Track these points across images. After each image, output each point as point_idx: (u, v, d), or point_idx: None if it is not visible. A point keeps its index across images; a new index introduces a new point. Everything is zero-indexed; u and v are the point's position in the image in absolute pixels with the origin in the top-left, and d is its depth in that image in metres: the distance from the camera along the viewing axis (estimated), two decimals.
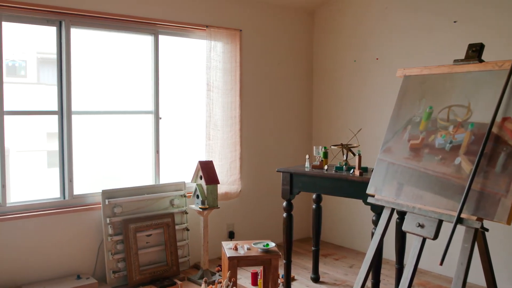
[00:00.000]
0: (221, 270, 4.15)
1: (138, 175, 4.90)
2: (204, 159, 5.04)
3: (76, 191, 4.44)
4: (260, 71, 5.58)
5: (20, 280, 4.08)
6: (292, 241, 4.33)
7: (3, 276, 4.01)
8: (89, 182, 4.59)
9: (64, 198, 4.39)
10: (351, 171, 3.85)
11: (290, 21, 5.84)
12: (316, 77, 6.08)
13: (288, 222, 4.26)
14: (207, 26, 4.99)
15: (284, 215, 4.26)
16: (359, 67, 5.53)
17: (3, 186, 4.07)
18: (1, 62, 3.99)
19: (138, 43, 4.84)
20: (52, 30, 4.29)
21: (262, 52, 5.59)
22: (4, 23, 4.00)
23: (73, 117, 4.39)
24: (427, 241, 3.18)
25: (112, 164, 4.82)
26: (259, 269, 4.37)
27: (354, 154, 4.04)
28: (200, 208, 4.54)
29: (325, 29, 5.94)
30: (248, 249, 3.94)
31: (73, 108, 4.38)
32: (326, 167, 4.10)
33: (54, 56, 4.35)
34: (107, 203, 4.38)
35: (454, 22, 4.58)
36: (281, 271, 4.50)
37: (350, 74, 5.65)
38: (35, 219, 4.15)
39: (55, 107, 4.34)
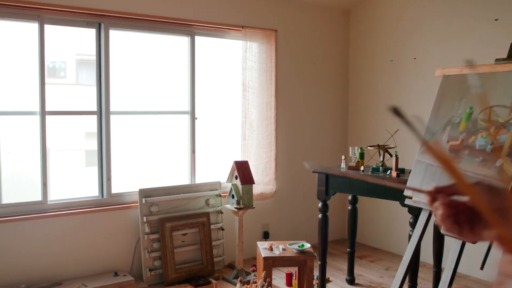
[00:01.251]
0: (256, 270, 4.16)
1: (174, 175, 4.96)
2: (239, 159, 5.06)
3: (114, 190, 4.52)
4: (295, 72, 5.57)
5: (60, 276, 4.19)
6: (327, 242, 4.30)
7: (44, 272, 4.12)
8: (126, 181, 4.67)
9: (103, 197, 4.48)
10: (388, 173, 3.79)
11: (325, 21, 5.80)
12: (352, 77, 6.02)
13: (324, 223, 4.23)
14: (242, 27, 5.01)
15: (320, 216, 4.24)
16: (396, 66, 5.45)
17: (45, 184, 4.18)
18: (43, 63, 4.11)
19: (175, 44, 4.90)
20: (91, 32, 4.38)
21: (298, 52, 5.58)
22: (46, 26, 4.11)
23: (112, 117, 4.48)
24: (467, 244, 3.11)
25: (149, 163, 4.89)
26: (294, 270, 4.36)
27: (391, 155, 3.99)
28: (235, 208, 4.55)
29: (361, 29, 5.88)
30: (283, 249, 3.94)
31: (112, 108, 4.47)
32: (362, 168, 4.05)
33: (92, 57, 4.44)
34: (144, 202, 4.44)
35: (496, 20, 4.47)
36: (316, 272, 4.48)
37: (386, 74, 5.57)
38: (75, 217, 4.25)
39: (93, 107, 4.44)
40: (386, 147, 4.05)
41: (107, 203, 4.47)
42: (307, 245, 3.96)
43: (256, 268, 4.25)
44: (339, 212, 5.99)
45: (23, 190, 4.17)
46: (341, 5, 5.85)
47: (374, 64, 5.73)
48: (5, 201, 4.05)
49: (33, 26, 4.08)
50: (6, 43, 4.01)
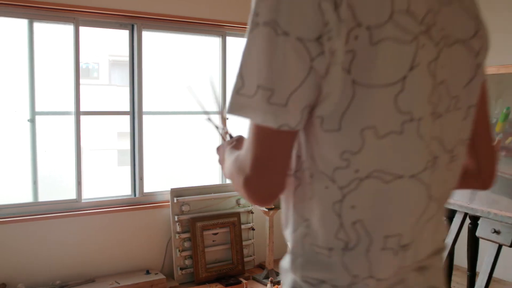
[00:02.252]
0: None
1: (205, 175, 4.99)
2: None
3: (146, 189, 4.58)
4: None
5: (93, 273, 4.26)
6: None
7: (78, 268, 4.20)
8: (158, 180, 4.72)
9: (135, 196, 4.54)
10: None
11: None
12: None
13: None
14: None
15: None
16: None
17: (79, 183, 4.27)
18: (78, 65, 4.19)
19: (206, 45, 4.93)
20: (124, 34, 4.45)
21: None
22: (81, 28, 4.20)
23: (144, 117, 4.53)
24: (503, 248, 3.04)
25: (180, 163, 4.93)
26: None
27: None
28: (265, 208, 4.55)
29: None
30: None
31: (144, 109, 4.53)
32: None
33: (124, 58, 4.51)
34: (175, 201, 4.49)
35: None
36: None
37: None
38: (108, 215, 4.33)
39: (125, 107, 4.50)
40: None
41: (139, 202, 4.53)
42: None
43: None
44: None
45: (58, 189, 4.27)
46: None
47: None
48: (41, 199, 4.15)
49: (69, 28, 4.16)
50: (43, 45, 4.11)
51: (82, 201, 4.29)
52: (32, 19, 4.02)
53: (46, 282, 4.05)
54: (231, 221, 4.71)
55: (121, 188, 4.58)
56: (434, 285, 0.98)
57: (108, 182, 4.67)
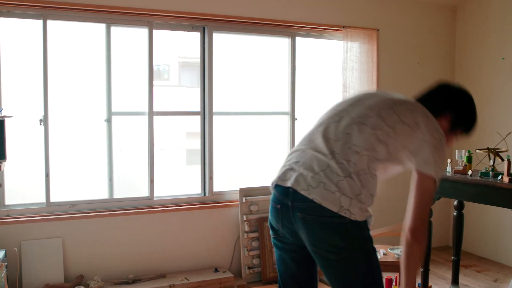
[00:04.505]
0: None
1: (274, 175, 4.99)
2: None
3: (216, 188, 4.66)
4: (397, 71, 5.40)
5: (164, 268, 4.39)
6: (430, 249, 4.13)
7: (149, 264, 4.34)
8: (227, 180, 4.79)
9: (205, 195, 4.63)
10: (499, 178, 3.56)
11: (430, 18, 5.57)
12: (458, 76, 5.73)
13: (427, 229, 4.06)
14: (343, 27, 4.95)
15: None
16: (508, 64, 5.10)
17: (151, 181, 4.40)
18: (152, 66, 4.33)
19: (276, 45, 4.95)
20: (194, 36, 4.55)
21: (400, 51, 5.41)
22: (155, 31, 4.33)
23: (214, 117, 4.61)
24: None
25: (248, 163, 4.97)
26: (394, 276, 4.23)
27: (502, 159, 3.74)
28: None
29: (468, 25, 5.58)
30: (384, 254, 3.84)
31: (214, 109, 4.60)
32: (470, 172, 3.84)
33: (193, 60, 4.61)
34: (244, 200, 4.53)
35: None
36: (417, 280, 4.31)
37: (497, 73, 5.24)
38: (178, 213, 4.44)
39: (194, 108, 4.60)
40: (497, 150, 3.81)
41: (208, 201, 4.61)
42: None
43: None
44: (443, 219, 5.72)
45: (131, 186, 4.42)
46: (447, 1, 5.59)
47: (482, 62, 5.41)
48: (116, 196, 4.32)
49: (143, 32, 4.31)
50: (119, 48, 4.27)
51: (154, 198, 4.42)
52: (109, 23, 4.20)
53: (120, 275, 4.21)
54: None
55: (190, 187, 4.68)
56: None
57: (178, 181, 4.78)
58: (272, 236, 2.18)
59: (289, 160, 2.16)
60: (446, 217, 5.70)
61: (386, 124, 1.99)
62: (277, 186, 2.12)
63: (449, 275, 4.64)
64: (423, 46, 5.55)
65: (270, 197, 2.20)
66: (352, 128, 1.99)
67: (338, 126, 2.02)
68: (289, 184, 2.02)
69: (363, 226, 1.95)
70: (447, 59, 5.72)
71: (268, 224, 2.21)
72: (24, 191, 4.09)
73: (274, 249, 2.23)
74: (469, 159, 3.96)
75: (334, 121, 2.06)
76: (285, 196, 2.03)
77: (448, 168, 4.03)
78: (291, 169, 2.09)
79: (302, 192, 1.94)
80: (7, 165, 3.76)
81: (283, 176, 2.11)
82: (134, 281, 4.11)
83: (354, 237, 1.92)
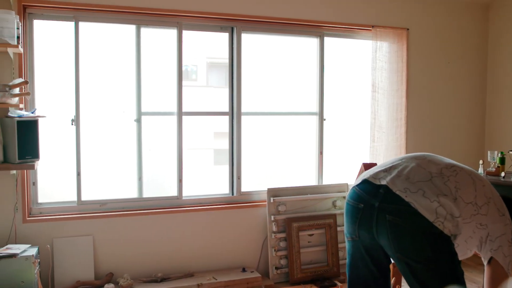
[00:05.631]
0: None
1: (301, 175, 4.99)
2: (368, 161, 4.96)
3: (244, 188, 4.67)
4: (427, 71, 5.32)
5: (192, 267, 4.42)
6: None
7: (178, 262, 4.37)
8: (255, 180, 4.79)
9: (233, 194, 4.65)
10: None
11: (461, 17, 5.48)
12: (490, 76, 5.62)
13: None
14: (373, 26, 4.91)
15: None
16: None
17: (180, 180, 4.44)
18: (181, 67, 4.36)
19: (304, 46, 4.93)
20: (223, 36, 4.57)
21: (431, 51, 5.33)
22: (184, 32, 4.36)
23: (242, 117, 4.62)
24: None
25: (277, 163, 4.97)
26: None
27: None
28: None
29: (502, 24, 5.46)
30: None
31: (242, 109, 4.62)
32: (503, 174, 3.77)
33: (221, 60, 4.63)
34: (272, 201, 4.53)
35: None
36: None
37: None
38: (207, 213, 4.46)
39: (222, 108, 4.62)
40: None
41: (236, 201, 4.62)
42: None
43: None
44: None
45: (160, 185, 4.46)
46: (478, 0, 5.49)
47: None
48: (146, 195, 4.37)
49: (172, 33, 4.35)
50: (148, 49, 4.32)
51: (183, 198, 4.45)
52: (139, 24, 4.25)
53: (149, 273, 4.26)
54: (327, 223, 4.68)
55: (218, 187, 4.70)
56: None
57: (206, 181, 4.81)
58: (347, 238, 2.10)
59: (383, 166, 2.08)
60: None
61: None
62: (365, 182, 2.02)
63: (480, 278, 4.55)
64: (454, 45, 5.46)
65: (348, 195, 2.09)
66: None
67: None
68: (383, 182, 1.94)
69: (450, 241, 1.90)
70: (479, 59, 5.61)
71: (345, 225, 2.15)
72: (56, 189, 4.18)
73: (347, 252, 2.21)
74: (502, 160, 3.88)
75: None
76: (372, 196, 1.95)
77: (480, 170, 3.95)
78: (385, 171, 2.01)
79: (398, 193, 1.87)
80: (40, 164, 3.84)
81: (375, 174, 2.02)
82: (163, 279, 4.15)
83: (443, 251, 1.89)
